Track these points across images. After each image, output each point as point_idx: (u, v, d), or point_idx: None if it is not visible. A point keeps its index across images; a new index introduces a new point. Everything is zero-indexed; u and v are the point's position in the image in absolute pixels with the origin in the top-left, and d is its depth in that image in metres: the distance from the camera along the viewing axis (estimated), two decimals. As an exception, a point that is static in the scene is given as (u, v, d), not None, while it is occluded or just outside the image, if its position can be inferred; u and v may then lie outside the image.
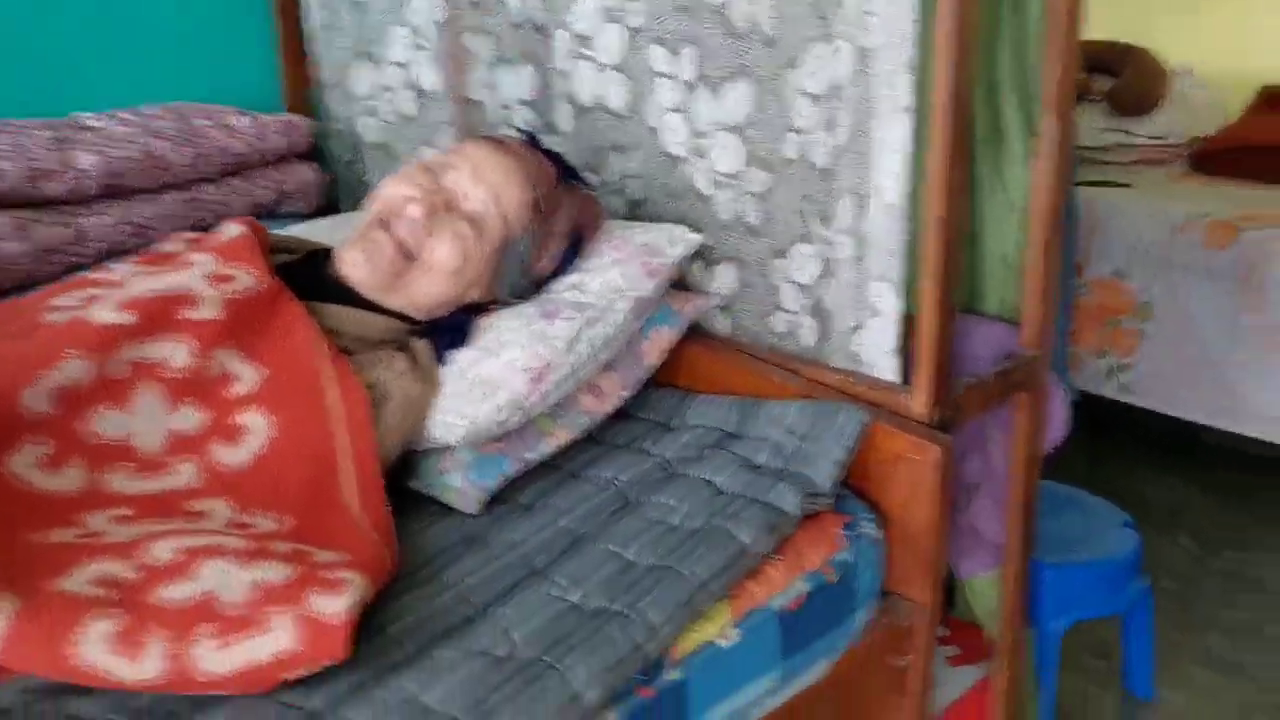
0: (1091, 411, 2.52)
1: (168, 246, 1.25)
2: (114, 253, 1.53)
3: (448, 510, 1.16)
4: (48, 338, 1.00)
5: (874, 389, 1.26)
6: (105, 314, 1.03)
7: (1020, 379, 1.33)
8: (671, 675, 0.98)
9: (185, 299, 1.07)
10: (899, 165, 1.18)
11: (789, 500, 1.13)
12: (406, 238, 1.20)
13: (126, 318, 1.03)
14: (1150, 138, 3.16)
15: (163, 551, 0.89)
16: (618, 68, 1.45)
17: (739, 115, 1.33)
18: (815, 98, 1.25)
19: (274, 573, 0.89)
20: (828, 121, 1.24)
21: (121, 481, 1.00)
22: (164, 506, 0.99)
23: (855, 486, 1.23)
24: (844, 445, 1.20)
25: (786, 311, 1.36)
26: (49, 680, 0.83)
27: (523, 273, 1.28)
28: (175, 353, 1.04)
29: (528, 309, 1.27)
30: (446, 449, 1.19)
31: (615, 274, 1.29)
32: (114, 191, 1.57)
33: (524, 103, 1.61)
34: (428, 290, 1.22)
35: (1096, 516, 1.82)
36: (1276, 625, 2.12)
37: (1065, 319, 1.97)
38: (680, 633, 1.00)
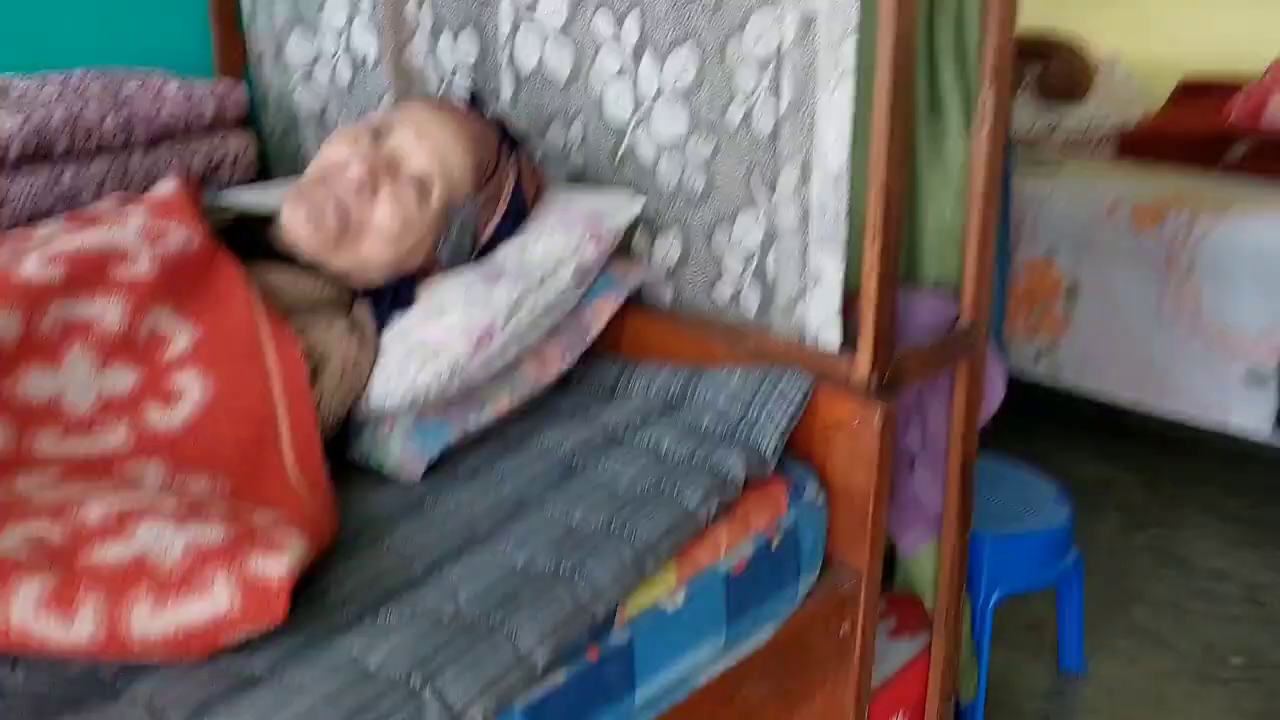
0: (1022, 392, 2.57)
1: (98, 206, 1.21)
2: (39, 218, 1.48)
3: (388, 478, 1.14)
4: None
5: (817, 356, 1.26)
6: (31, 267, 1.00)
7: (959, 347, 1.34)
8: (619, 637, 0.98)
9: (117, 255, 1.04)
10: (842, 132, 1.18)
11: (734, 465, 1.13)
12: (346, 199, 1.18)
13: (54, 272, 1.00)
14: (1077, 124, 3.23)
15: (94, 513, 0.87)
16: (561, 34, 1.44)
17: (683, 81, 1.32)
18: (760, 64, 1.25)
19: (210, 533, 0.86)
20: (772, 88, 1.24)
21: (50, 443, 0.96)
22: (95, 469, 0.96)
23: (799, 452, 1.24)
24: (787, 411, 1.20)
25: (730, 279, 1.36)
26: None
27: (466, 237, 1.26)
28: (107, 311, 1.01)
29: (470, 273, 1.25)
30: (386, 416, 1.17)
31: (559, 240, 1.28)
32: (39, 156, 1.52)
33: (465, 70, 1.58)
34: (369, 253, 1.20)
35: (1030, 489, 1.86)
36: (1197, 599, 2.19)
37: (1003, 292, 2.00)
38: (627, 594, 0.99)
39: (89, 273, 1.02)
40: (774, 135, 1.26)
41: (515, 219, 1.30)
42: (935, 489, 1.42)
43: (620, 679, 0.98)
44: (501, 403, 1.23)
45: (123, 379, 1.01)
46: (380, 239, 1.19)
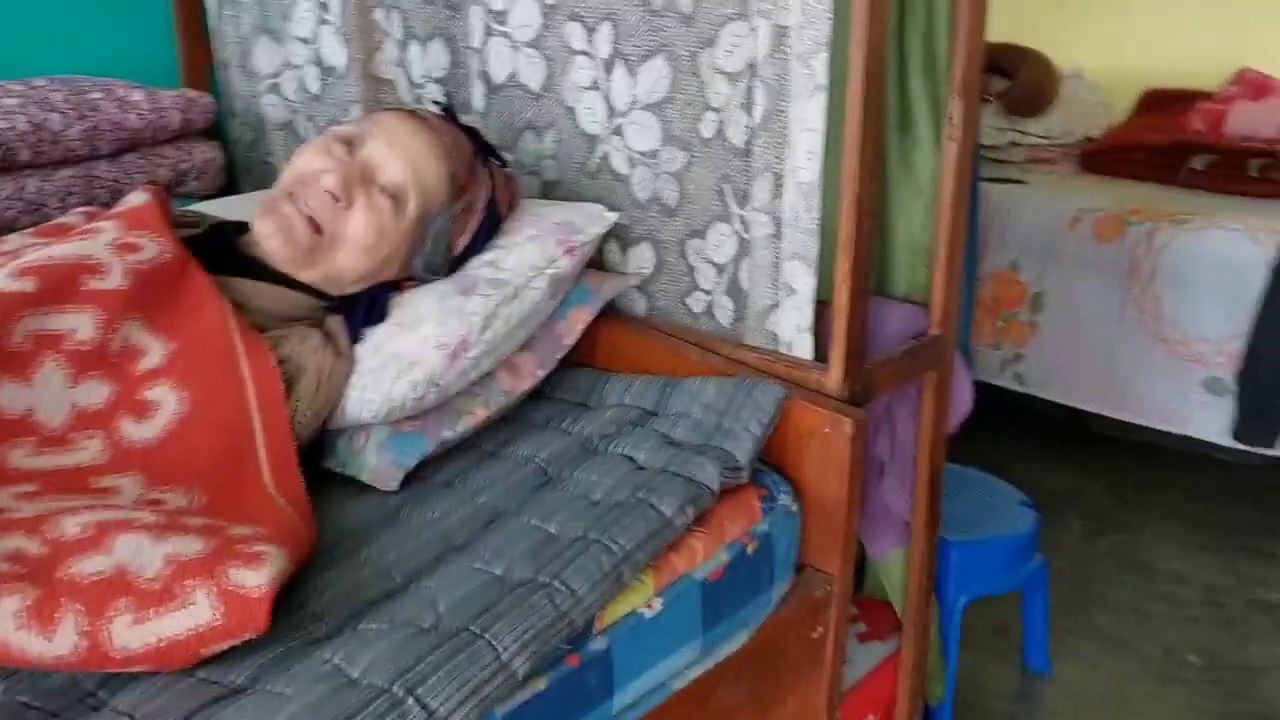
0: (988, 401, 2.59)
1: (65, 219, 1.20)
2: (3, 230, 1.46)
3: (365, 489, 1.14)
4: None
5: (790, 366, 1.28)
6: (2, 281, 0.99)
7: (928, 357, 1.36)
8: (597, 644, 0.99)
9: (89, 267, 1.03)
10: (815, 144, 1.20)
11: (709, 474, 1.14)
12: (319, 210, 1.18)
13: (26, 285, 0.99)
14: (1042, 137, 3.27)
15: (71, 526, 0.86)
16: (533, 45, 1.44)
17: (656, 94, 1.33)
18: (732, 76, 1.26)
19: (189, 546, 0.86)
20: (745, 100, 1.26)
21: (23, 458, 0.95)
22: (70, 483, 0.95)
23: (772, 461, 1.25)
24: (761, 420, 1.21)
25: (703, 291, 1.37)
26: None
27: (440, 247, 1.25)
28: (79, 324, 1.01)
29: (444, 285, 1.25)
30: (362, 427, 1.17)
31: (532, 251, 1.28)
32: (2, 167, 1.51)
33: (436, 80, 1.59)
34: (343, 265, 1.20)
35: (996, 496, 1.88)
36: (1158, 603, 2.22)
37: (970, 302, 2.03)
38: (605, 602, 1.00)
39: (61, 285, 1.01)
40: (747, 147, 1.27)
41: (490, 230, 1.30)
42: (904, 496, 1.44)
43: (599, 685, 0.98)
44: (477, 414, 1.23)
45: (96, 392, 1.01)
46: (355, 250, 1.19)
